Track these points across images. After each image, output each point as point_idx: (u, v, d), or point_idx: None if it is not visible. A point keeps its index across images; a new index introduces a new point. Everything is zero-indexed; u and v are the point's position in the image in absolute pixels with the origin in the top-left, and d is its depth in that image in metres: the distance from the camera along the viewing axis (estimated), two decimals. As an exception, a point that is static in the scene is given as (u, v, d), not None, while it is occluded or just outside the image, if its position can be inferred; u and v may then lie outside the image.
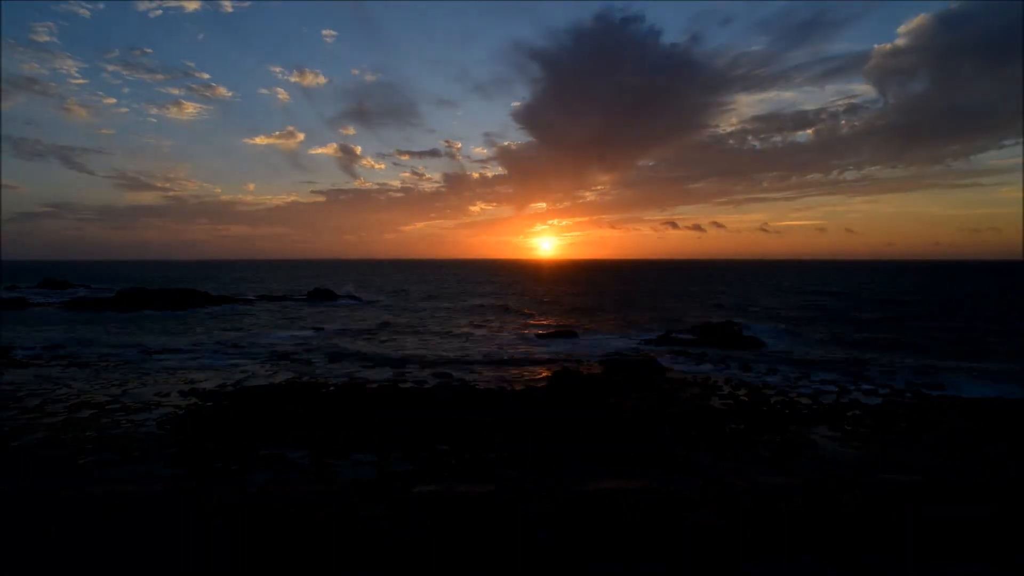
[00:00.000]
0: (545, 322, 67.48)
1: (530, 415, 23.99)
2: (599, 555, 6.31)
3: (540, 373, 36.49)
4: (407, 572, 6.12)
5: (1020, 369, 38.07)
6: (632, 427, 22.73)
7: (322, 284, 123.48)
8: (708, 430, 23.07)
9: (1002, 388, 32.63)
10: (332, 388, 31.05)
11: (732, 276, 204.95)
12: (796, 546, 6.47)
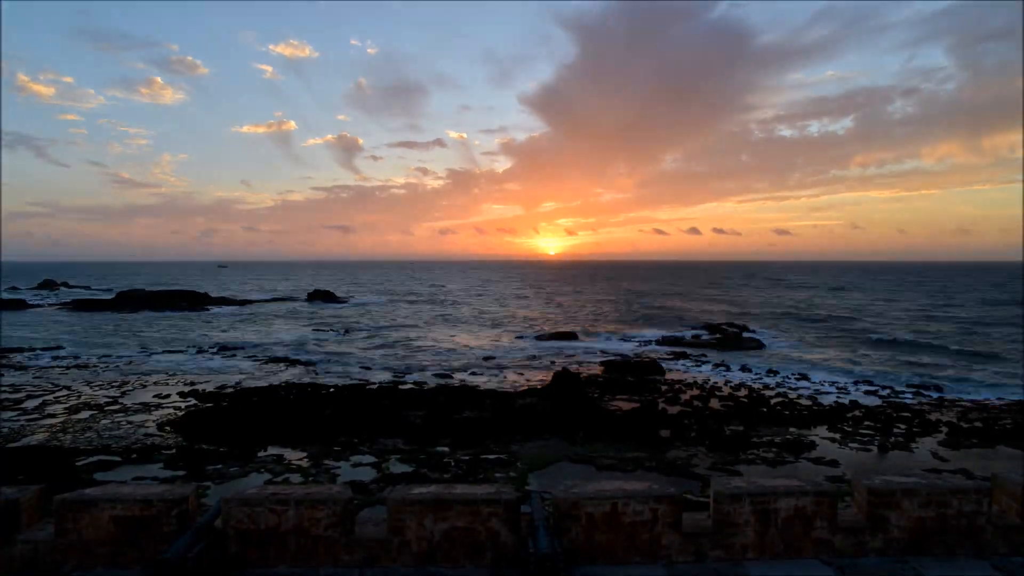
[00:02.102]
0: (547, 323, 67.43)
1: (530, 416, 23.95)
2: (599, 557, 6.29)
3: (541, 374, 36.44)
4: (405, 575, 6.10)
5: (1020, 371, 38.00)
6: (632, 428, 22.69)
7: (322, 285, 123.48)
8: (708, 431, 23.03)
9: (1002, 390, 32.59)
10: (332, 389, 31.02)
11: (741, 277, 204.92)
12: (797, 548, 6.45)
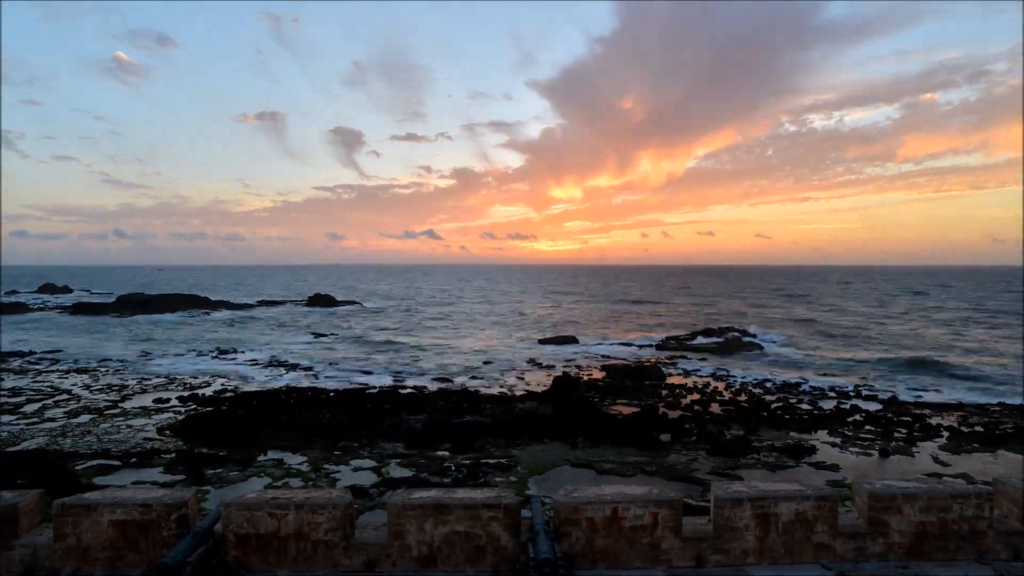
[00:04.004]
0: (547, 327, 67.39)
1: (530, 421, 23.91)
2: (600, 561, 6.27)
3: (541, 378, 36.39)
4: (406, 579, 6.09)
5: (1020, 375, 37.93)
6: (633, 433, 22.66)
7: (323, 289, 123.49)
8: (708, 435, 23.00)
9: (1002, 393, 32.52)
10: (332, 393, 30.98)
11: (744, 282, 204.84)
12: (798, 553, 6.43)
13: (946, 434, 23.98)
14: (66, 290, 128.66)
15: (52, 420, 25.50)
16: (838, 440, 23.04)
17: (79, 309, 79.63)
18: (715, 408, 28.27)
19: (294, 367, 40.54)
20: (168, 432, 23.41)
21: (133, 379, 35.11)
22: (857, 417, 26.70)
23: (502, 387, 33.81)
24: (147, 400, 29.46)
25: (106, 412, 26.88)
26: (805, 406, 29.05)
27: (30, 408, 27.60)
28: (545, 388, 31.70)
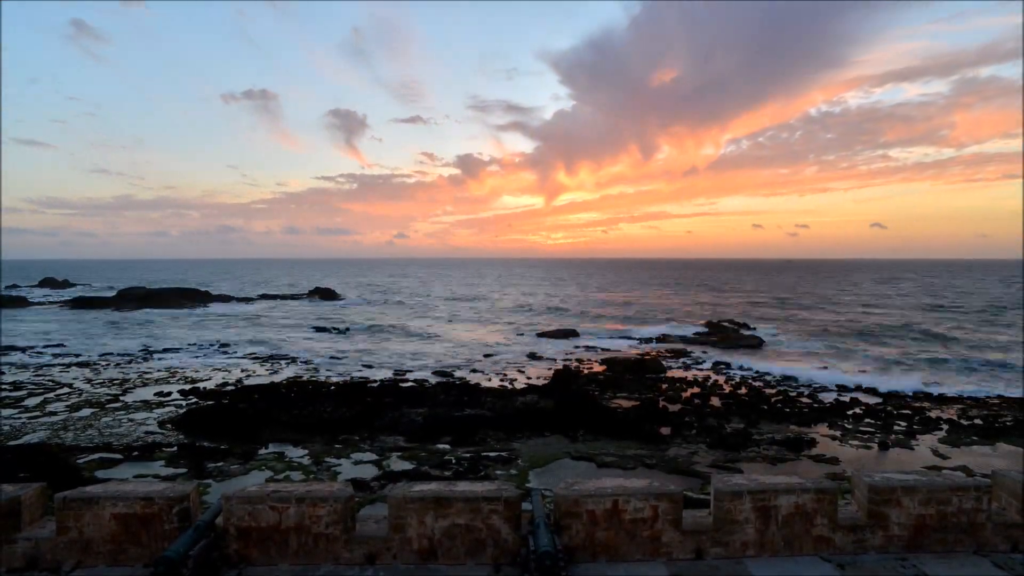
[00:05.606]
0: (547, 321, 67.41)
1: (531, 414, 23.95)
2: (600, 554, 6.30)
3: (541, 372, 36.42)
4: (406, 572, 6.11)
5: (1019, 367, 37.95)
6: (633, 426, 22.71)
7: (324, 283, 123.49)
8: (709, 429, 23.04)
9: (1001, 386, 32.54)
10: (333, 387, 31.04)
11: (747, 276, 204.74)
12: (798, 546, 6.46)
13: (945, 427, 24.03)
14: (66, 284, 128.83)
15: (53, 414, 25.54)
16: (838, 433, 23.09)
17: (80, 303, 79.67)
18: (715, 401, 28.31)
19: (295, 360, 40.58)
20: (169, 426, 23.45)
21: (134, 373, 35.15)
22: (857, 410, 26.74)
23: (502, 380, 33.85)
24: (148, 394, 29.50)
25: (107, 406, 26.93)
26: (805, 399, 29.08)
27: (31, 402, 27.65)
28: (545, 381, 31.73)
